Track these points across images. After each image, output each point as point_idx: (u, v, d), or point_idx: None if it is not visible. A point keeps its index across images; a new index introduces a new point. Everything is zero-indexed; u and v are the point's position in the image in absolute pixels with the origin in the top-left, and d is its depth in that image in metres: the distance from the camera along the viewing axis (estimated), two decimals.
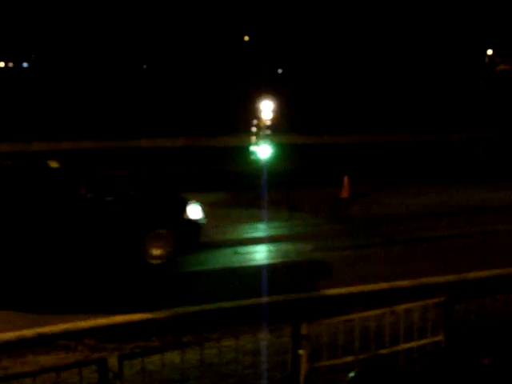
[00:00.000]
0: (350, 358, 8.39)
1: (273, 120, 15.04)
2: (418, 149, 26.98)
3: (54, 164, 11.96)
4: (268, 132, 14.58)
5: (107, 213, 11.66)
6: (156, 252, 12.02)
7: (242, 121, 16.88)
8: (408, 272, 12.23)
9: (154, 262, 11.98)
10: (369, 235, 14.75)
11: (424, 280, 11.82)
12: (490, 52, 57.43)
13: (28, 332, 9.47)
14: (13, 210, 11.07)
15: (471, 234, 15.16)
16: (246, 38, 46.29)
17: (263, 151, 13.11)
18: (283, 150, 16.37)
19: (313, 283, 11.51)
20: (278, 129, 16.01)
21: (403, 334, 8.91)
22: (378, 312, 8.78)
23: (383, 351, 8.63)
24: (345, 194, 17.39)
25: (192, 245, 12.35)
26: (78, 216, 11.47)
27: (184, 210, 12.30)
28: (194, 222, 12.37)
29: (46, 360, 8.75)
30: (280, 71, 42.02)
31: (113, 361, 6.56)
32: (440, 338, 9.11)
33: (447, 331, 9.19)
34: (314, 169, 21.80)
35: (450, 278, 12.09)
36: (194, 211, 12.39)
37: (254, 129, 14.87)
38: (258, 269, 12.23)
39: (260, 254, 13.35)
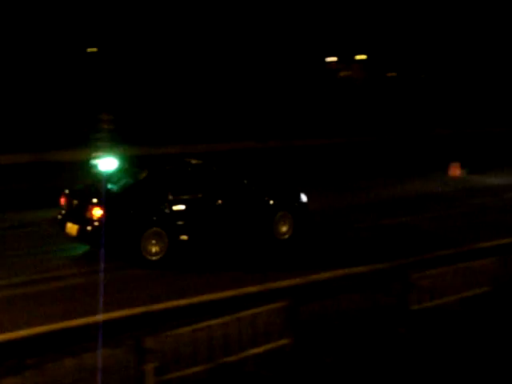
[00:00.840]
0: (198, 368, 8.37)
1: (114, 132, 14.84)
2: (263, 155, 27.41)
3: (194, 161, 14.58)
4: (110, 144, 14.37)
5: (253, 198, 14.43)
6: (283, 229, 14.71)
7: (86, 134, 16.45)
8: (257, 277, 12.32)
9: (281, 237, 14.66)
10: None
11: (271, 285, 11.93)
12: (334, 59, 59.23)
13: None
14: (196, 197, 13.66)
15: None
16: (92, 50, 45.50)
17: (105, 164, 12.87)
18: (128, 162, 16.04)
19: (159, 295, 11.35)
20: (120, 140, 15.78)
21: (250, 339, 8.98)
22: (224, 320, 8.81)
23: (231, 358, 8.67)
24: None
25: (305, 223, 15.15)
26: (240, 202, 14.23)
27: (299, 195, 15.14)
28: (306, 204, 15.20)
29: None
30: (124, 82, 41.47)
31: None
32: (287, 340, 9.25)
33: (293, 334, 9.35)
34: None
35: (297, 280, 12.27)
36: (304, 196, 15.18)
37: (95, 141, 14.62)
38: (101, 284, 11.91)
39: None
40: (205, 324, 8.51)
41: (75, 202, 13.39)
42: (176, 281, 12.26)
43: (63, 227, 13.50)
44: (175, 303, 10.99)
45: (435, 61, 58.22)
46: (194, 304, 11.01)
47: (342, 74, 58.31)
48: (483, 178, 24.12)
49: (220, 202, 13.96)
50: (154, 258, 13.01)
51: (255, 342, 8.93)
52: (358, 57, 59.17)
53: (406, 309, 10.37)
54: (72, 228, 13.20)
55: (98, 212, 12.73)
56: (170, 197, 13.37)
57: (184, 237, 13.39)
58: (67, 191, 13.86)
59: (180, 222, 13.37)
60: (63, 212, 13.65)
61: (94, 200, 12.92)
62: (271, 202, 14.63)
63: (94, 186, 14.04)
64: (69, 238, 13.55)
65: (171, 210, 13.30)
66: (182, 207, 13.42)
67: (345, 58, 58.50)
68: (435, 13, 56.83)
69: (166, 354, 8.13)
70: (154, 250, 13.04)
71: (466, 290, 11.28)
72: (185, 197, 13.56)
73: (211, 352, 8.50)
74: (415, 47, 57.76)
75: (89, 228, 12.84)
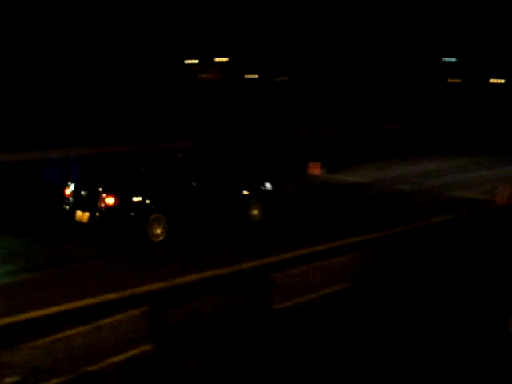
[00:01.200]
0: (57, 380, 8.15)
1: None
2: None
3: (180, 155, 17.25)
4: None
5: (231, 188, 16.56)
6: (254, 213, 16.78)
7: None
8: (119, 284, 12.09)
9: (254, 220, 16.73)
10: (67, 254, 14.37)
11: (134, 290, 11.73)
12: (194, 61, 59.34)
13: None
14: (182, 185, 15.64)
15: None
16: None
17: None
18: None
19: (14, 307, 10.91)
20: None
21: (112, 347, 8.83)
22: (84, 329, 8.62)
23: (92, 368, 8.48)
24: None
25: (272, 208, 17.28)
26: (219, 189, 16.22)
27: (264, 184, 17.25)
28: (270, 192, 17.32)
29: None
30: None
31: None
32: (150, 346, 9.16)
33: (156, 339, 9.27)
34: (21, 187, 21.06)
35: (160, 285, 12.14)
36: (268, 184, 17.31)
37: None
38: None
39: None
40: (64, 334, 8.31)
41: (84, 192, 15.09)
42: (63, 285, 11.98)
43: (72, 216, 15.08)
44: (37, 313, 10.58)
45: (297, 63, 59.46)
46: (57, 313, 10.64)
47: (201, 76, 58.47)
48: (342, 176, 24.78)
49: (208, 190, 15.98)
50: (157, 239, 14.85)
51: (117, 349, 8.80)
52: (218, 59, 59.56)
53: (268, 308, 10.50)
54: (83, 216, 14.90)
55: (110, 200, 14.57)
56: (167, 186, 15.36)
57: (180, 221, 15.34)
58: (71, 183, 15.40)
59: (176, 208, 15.29)
60: (69, 202, 15.25)
61: (106, 190, 14.72)
62: (246, 191, 16.73)
63: (99, 178, 15.84)
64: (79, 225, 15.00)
65: (168, 197, 15.25)
66: (177, 195, 15.42)
67: (205, 61, 58.75)
68: (295, 16, 58.03)
69: (24, 368, 7.88)
70: (157, 232, 14.88)
71: (326, 286, 11.56)
72: (179, 186, 15.59)
73: (72, 362, 8.30)
74: (276, 49, 58.76)
75: (102, 215, 14.64)
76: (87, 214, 14.88)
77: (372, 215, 18.14)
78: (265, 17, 57.59)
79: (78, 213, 15.07)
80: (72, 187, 15.37)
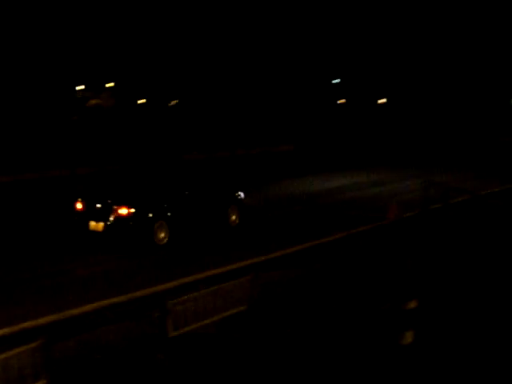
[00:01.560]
0: None
1: None
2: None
3: (177, 172, 20.51)
4: None
5: (215, 196, 19.09)
6: (233, 218, 19.33)
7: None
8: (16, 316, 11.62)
9: (233, 224, 19.27)
10: None
11: (25, 324, 11.26)
12: (82, 87, 58.27)
13: None
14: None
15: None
16: None
17: None
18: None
19: None
20: None
21: None
22: None
23: None
24: None
25: (244, 213, 19.73)
26: (206, 198, 18.75)
27: (238, 192, 19.65)
28: (242, 199, 19.73)
29: None
30: None
31: None
32: (42, 383, 8.82)
33: (50, 374, 8.94)
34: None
35: (52, 317, 11.71)
36: (241, 193, 19.70)
37: None
38: None
39: None
40: None
41: (98, 204, 17.06)
42: None
43: (86, 226, 17.00)
44: None
45: (186, 86, 59.35)
46: None
47: (91, 102, 57.56)
48: None
49: (199, 201, 18.35)
50: (162, 243, 17.07)
51: None
52: (109, 84, 58.83)
53: (165, 336, 10.32)
54: (97, 225, 16.91)
55: (124, 211, 16.73)
56: (167, 198, 17.63)
57: (178, 226, 17.56)
58: (81, 198, 17.46)
59: (175, 216, 17.49)
60: (81, 214, 17.25)
61: (119, 202, 16.83)
62: (226, 199, 19.21)
63: (109, 192, 17.72)
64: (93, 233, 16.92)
65: (169, 207, 17.49)
66: (175, 205, 17.68)
67: (93, 86, 57.88)
68: (182, 39, 58.04)
69: None
70: (161, 237, 17.09)
71: (222, 311, 11.46)
72: (176, 197, 17.88)
73: None
74: (164, 73, 58.57)
75: (116, 224, 16.73)
76: (101, 223, 16.83)
77: (267, 235, 18.25)
78: (152, 40, 57.40)
79: (92, 223, 16.96)
80: (82, 201, 17.30)
